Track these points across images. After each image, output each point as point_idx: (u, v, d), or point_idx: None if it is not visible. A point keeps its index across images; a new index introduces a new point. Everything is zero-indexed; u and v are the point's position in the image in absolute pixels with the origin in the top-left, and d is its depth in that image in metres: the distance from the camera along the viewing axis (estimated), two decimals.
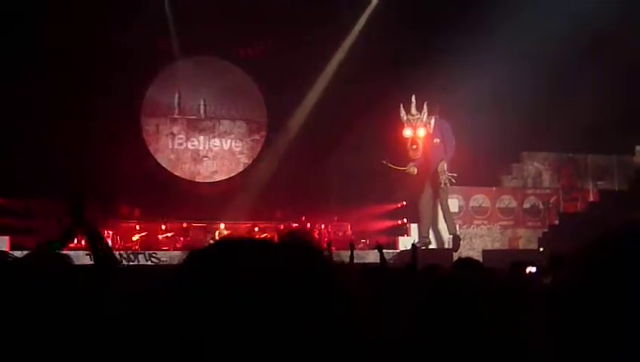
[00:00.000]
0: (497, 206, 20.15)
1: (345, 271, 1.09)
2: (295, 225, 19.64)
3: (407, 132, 17.40)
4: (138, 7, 18.40)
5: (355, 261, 10.02)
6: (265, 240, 1.10)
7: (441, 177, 17.13)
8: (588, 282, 1.14)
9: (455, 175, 17.18)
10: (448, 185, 17.22)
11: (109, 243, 17.86)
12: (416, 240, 17.57)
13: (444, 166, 17.18)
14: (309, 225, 19.69)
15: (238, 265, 1.00)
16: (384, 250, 8.44)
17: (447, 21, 17.89)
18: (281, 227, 19.61)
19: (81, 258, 16.02)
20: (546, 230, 19.16)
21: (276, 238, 1.14)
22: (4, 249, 16.05)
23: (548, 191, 20.79)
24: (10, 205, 17.58)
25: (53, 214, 17.59)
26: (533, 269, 4.91)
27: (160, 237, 18.47)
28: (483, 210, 20.01)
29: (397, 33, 18.66)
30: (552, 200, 20.60)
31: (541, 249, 17.25)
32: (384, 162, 17.38)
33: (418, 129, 17.25)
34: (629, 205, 16.13)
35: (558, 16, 17.45)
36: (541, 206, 20.44)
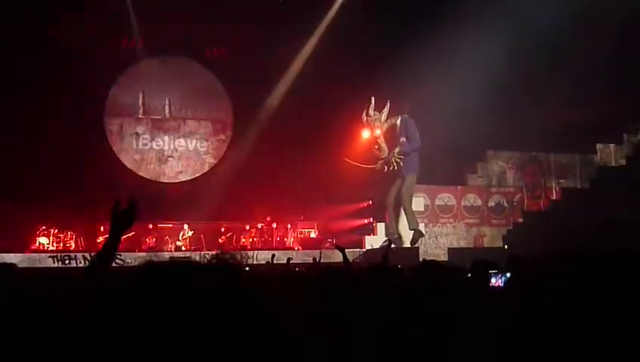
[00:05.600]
0: (463, 204, 20.33)
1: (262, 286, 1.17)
2: (260, 225, 19.58)
3: (365, 133, 17.49)
4: (101, 6, 18.14)
5: (322, 260, 10.02)
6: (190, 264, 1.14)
7: (391, 160, 17.22)
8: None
9: (402, 156, 17.21)
10: (395, 167, 17.24)
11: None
12: (384, 239, 17.62)
13: (395, 151, 17.25)
14: (275, 224, 19.63)
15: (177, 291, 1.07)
16: (350, 249, 8.42)
17: (416, 19, 17.88)
18: (247, 227, 19.55)
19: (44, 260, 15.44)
20: (510, 228, 19.37)
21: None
22: None
23: (512, 189, 21.05)
24: None
25: (7, 216, 17.23)
26: (494, 274, 4.85)
27: (122, 237, 18.19)
28: (449, 209, 20.17)
29: (364, 32, 18.63)
30: (516, 198, 20.86)
31: (505, 246, 17.43)
32: (347, 160, 17.45)
33: (375, 130, 17.31)
34: (591, 203, 16.37)
35: (525, 20, 17.62)
36: (505, 204, 20.69)
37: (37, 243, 17.93)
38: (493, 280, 4.77)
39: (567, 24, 16.55)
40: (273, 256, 12.93)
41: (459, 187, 20.54)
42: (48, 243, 17.99)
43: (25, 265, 15.92)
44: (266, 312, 1.08)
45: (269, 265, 11.85)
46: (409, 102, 17.66)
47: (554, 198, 20.50)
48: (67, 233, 18.32)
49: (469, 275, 4.79)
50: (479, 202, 20.47)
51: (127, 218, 2.75)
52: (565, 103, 17.57)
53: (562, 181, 21.29)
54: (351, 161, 17.49)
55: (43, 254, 17.03)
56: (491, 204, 20.59)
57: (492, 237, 19.85)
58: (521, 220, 19.42)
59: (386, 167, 17.31)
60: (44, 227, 18.10)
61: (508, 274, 4.62)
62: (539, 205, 20.65)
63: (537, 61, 18.04)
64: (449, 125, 17.37)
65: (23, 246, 17.38)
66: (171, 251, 18.02)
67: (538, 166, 21.53)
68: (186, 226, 18.71)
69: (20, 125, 17.65)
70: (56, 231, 18.17)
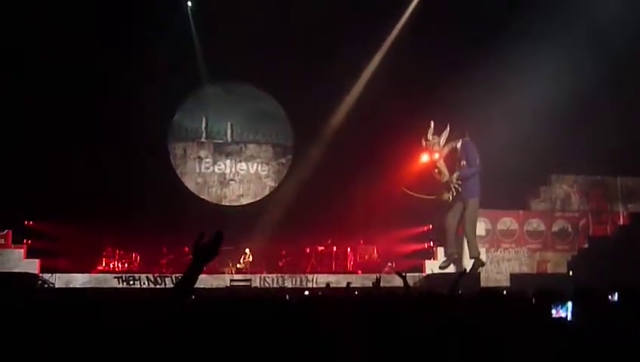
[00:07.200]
0: (525, 229, 19.96)
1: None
2: (320, 248, 19.64)
3: (424, 157, 17.37)
4: (166, 34, 18.68)
5: (382, 285, 9.98)
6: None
7: (450, 185, 17.10)
8: None
9: (461, 181, 17.07)
10: (454, 193, 17.08)
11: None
12: (443, 260, 17.50)
13: (454, 175, 17.13)
14: (335, 248, 19.65)
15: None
16: (410, 274, 8.39)
17: (476, 43, 17.77)
18: (307, 250, 19.63)
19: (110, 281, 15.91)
20: (575, 253, 18.90)
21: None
22: (34, 271, 16.27)
23: (577, 214, 20.55)
24: (41, 228, 17.79)
25: (75, 238, 17.80)
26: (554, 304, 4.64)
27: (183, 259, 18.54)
28: (511, 233, 19.84)
29: (423, 55, 18.55)
30: (581, 224, 20.35)
31: (570, 273, 17.01)
32: (410, 192, 17.32)
33: (434, 153, 17.20)
34: None
35: (589, 41, 17.38)
36: (570, 229, 20.21)
37: (103, 264, 18.42)
38: (553, 311, 4.60)
39: (628, 44, 16.24)
40: (328, 284, 12.96)
41: (521, 211, 20.19)
42: (114, 264, 18.47)
43: (91, 285, 16.40)
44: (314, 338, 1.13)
45: (327, 289, 11.89)
46: (470, 125, 17.51)
47: (621, 223, 19.94)
48: (132, 254, 18.78)
49: (532, 306, 4.62)
50: (542, 227, 20.06)
51: (211, 250, 2.82)
52: (631, 125, 17.14)
53: (630, 205, 20.69)
54: (414, 193, 17.36)
55: (108, 275, 17.48)
56: (555, 228, 20.14)
57: (556, 263, 19.39)
58: (586, 246, 18.93)
59: (450, 196, 17.16)
60: (109, 248, 18.61)
61: (569, 304, 4.46)
62: (605, 230, 20.08)
63: (602, 83, 17.68)
64: (511, 148, 17.15)
65: (89, 267, 17.88)
66: (232, 273, 18.23)
67: (604, 190, 20.98)
68: (247, 250, 18.92)
69: (89, 150, 18.18)
70: (121, 252, 18.66)
